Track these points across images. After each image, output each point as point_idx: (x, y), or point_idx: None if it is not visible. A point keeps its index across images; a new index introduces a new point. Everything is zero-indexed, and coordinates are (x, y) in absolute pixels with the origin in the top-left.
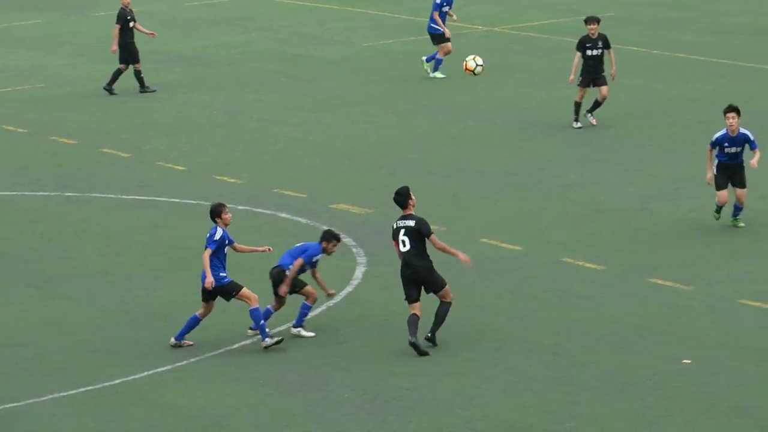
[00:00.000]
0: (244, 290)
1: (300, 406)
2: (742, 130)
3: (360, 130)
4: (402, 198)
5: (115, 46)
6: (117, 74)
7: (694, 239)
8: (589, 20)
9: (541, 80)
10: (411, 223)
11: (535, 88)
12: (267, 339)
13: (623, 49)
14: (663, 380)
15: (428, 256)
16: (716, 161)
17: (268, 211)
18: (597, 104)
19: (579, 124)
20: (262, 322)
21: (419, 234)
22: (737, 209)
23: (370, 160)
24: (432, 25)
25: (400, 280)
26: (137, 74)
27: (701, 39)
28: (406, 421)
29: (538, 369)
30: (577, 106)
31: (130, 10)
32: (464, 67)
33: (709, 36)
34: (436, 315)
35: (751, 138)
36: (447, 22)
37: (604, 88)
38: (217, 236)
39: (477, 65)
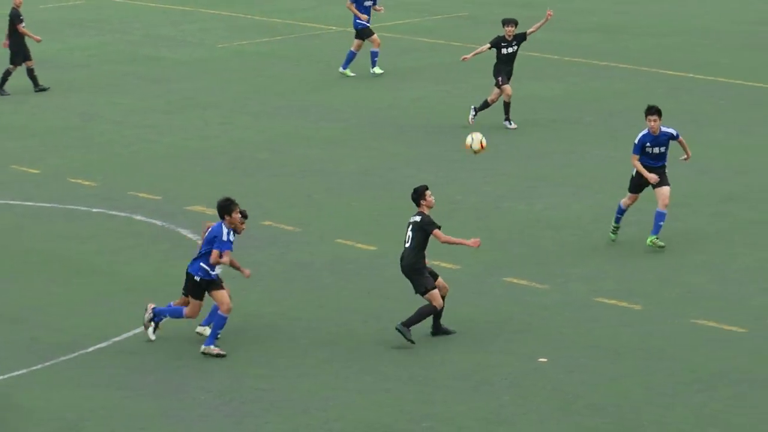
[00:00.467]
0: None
1: (156, 409)
2: (665, 129)
3: (214, 131)
4: (415, 196)
5: (6, 42)
6: (6, 75)
7: (549, 238)
8: (506, 22)
9: (394, 80)
10: (417, 218)
11: (388, 88)
12: (212, 347)
13: (474, 48)
14: (518, 379)
15: (422, 257)
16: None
17: (123, 214)
18: (486, 105)
19: (513, 125)
20: (219, 331)
21: (422, 231)
22: (657, 225)
23: (225, 161)
24: (357, 21)
25: None
26: (30, 73)
27: (554, 38)
28: (262, 423)
29: (393, 369)
30: (507, 106)
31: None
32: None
33: (562, 34)
34: (417, 310)
35: (674, 132)
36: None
37: (508, 87)
38: (225, 236)
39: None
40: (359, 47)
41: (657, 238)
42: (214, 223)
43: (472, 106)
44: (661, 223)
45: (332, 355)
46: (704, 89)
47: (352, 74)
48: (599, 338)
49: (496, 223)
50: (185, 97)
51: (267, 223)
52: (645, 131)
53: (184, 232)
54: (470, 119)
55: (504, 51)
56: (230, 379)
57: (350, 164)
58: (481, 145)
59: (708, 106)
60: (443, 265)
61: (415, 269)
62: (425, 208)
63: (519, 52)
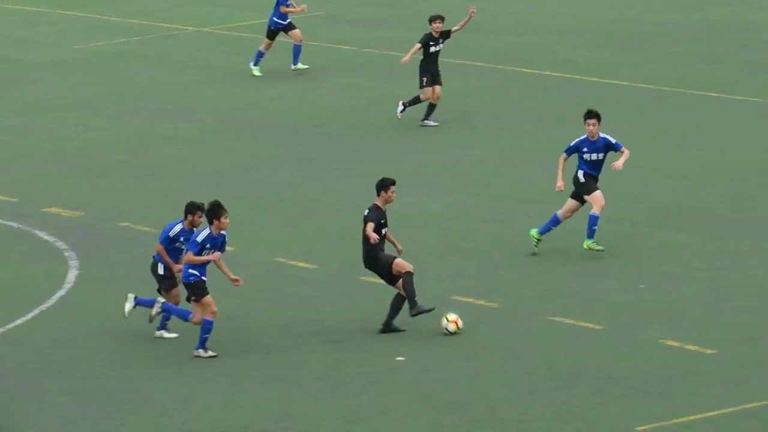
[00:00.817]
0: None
1: (14, 412)
2: (603, 135)
3: (70, 132)
4: (377, 186)
5: None
6: None
7: (407, 236)
8: (434, 18)
9: (252, 80)
10: (365, 211)
11: (245, 88)
12: (200, 350)
13: (334, 48)
14: (376, 378)
15: (367, 246)
16: (581, 172)
17: None
18: (416, 100)
19: (433, 123)
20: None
21: (364, 223)
22: (592, 229)
23: (81, 162)
24: (275, 19)
25: None
26: None
27: (411, 36)
28: (120, 424)
29: (252, 369)
30: (431, 107)
31: None
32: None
33: (419, 33)
34: (404, 289)
35: (613, 141)
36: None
37: (438, 88)
38: (200, 238)
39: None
40: (268, 47)
41: (594, 242)
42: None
43: (401, 102)
44: (595, 227)
45: (191, 356)
46: (559, 87)
47: (259, 73)
48: (456, 336)
49: (354, 222)
50: (41, 99)
51: (124, 224)
52: (583, 136)
53: (40, 234)
54: (399, 114)
55: (432, 49)
56: (88, 381)
57: (207, 164)
58: (456, 325)
59: (563, 103)
60: (301, 264)
61: (370, 258)
62: (381, 201)
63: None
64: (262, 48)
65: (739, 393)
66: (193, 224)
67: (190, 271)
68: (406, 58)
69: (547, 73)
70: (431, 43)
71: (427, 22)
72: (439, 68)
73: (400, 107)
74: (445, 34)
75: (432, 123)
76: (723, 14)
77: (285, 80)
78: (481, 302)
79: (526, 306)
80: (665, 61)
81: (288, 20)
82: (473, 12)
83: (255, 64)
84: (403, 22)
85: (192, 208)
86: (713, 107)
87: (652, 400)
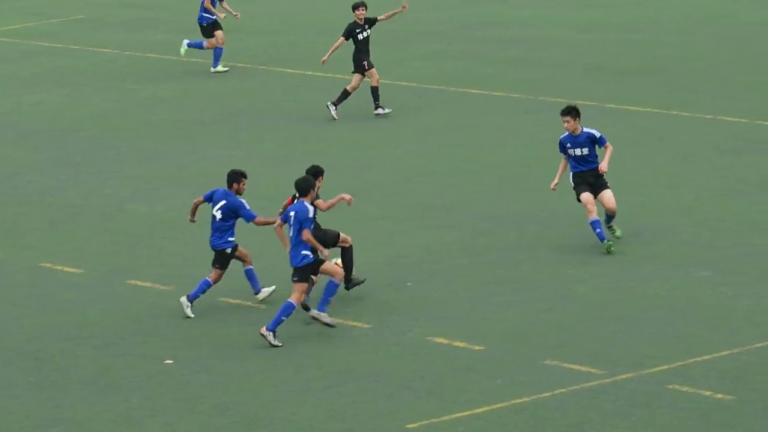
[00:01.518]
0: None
1: None
2: (587, 129)
3: None
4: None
5: None
6: None
7: (173, 239)
8: (357, 6)
9: (14, 85)
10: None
11: (8, 93)
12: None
13: (96, 51)
14: (146, 381)
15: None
16: (572, 172)
17: None
18: (346, 94)
19: (386, 110)
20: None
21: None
22: (609, 217)
23: None
24: (204, 14)
25: None
26: None
27: (172, 38)
28: None
29: (19, 375)
30: (375, 90)
31: None
32: None
33: (180, 35)
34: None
35: (598, 135)
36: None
37: (374, 71)
38: (311, 214)
39: None
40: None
41: (613, 232)
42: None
43: (329, 102)
44: (600, 229)
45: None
46: (322, 86)
47: (225, 69)
48: (225, 338)
49: (120, 225)
50: None
51: None
52: (565, 133)
53: None
54: (333, 114)
55: (360, 36)
56: None
57: None
58: None
59: (325, 102)
60: (67, 269)
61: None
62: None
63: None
64: (207, 45)
65: (508, 389)
66: (239, 192)
67: (305, 252)
68: (326, 57)
69: (311, 72)
70: (357, 30)
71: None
72: (370, 54)
73: (332, 108)
74: (371, 21)
75: (385, 110)
76: (482, 11)
77: (47, 85)
78: (249, 304)
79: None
80: (427, 58)
81: (214, 18)
82: (405, 6)
83: (215, 66)
84: (164, 23)
85: (237, 176)
86: (475, 104)
87: (422, 398)
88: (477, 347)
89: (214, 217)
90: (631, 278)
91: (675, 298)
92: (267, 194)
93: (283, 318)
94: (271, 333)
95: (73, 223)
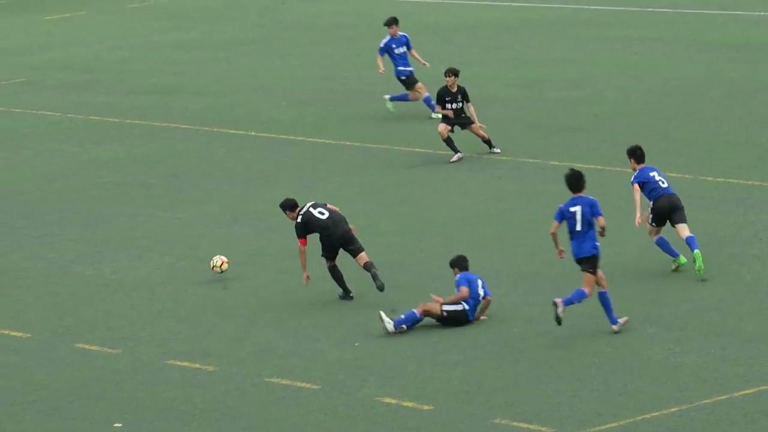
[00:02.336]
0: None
1: None
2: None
3: None
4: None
5: None
6: None
7: (118, 301)
8: (447, 72)
9: None
10: None
11: None
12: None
13: (36, 114)
14: None
15: None
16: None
17: None
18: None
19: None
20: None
21: None
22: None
23: None
24: (399, 68)
25: None
26: None
27: (114, 100)
28: None
29: None
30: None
31: None
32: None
33: (121, 97)
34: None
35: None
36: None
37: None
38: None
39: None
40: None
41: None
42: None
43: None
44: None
45: None
46: (266, 146)
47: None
48: (170, 401)
49: (65, 288)
50: None
51: None
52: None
53: None
54: (458, 157)
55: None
56: None
57: None
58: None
59: (270, 163)
60: (13, 333)
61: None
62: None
63: None
64: (411, 97)
65: None
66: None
67: (597, 243)
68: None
69: (253, 133)
70: (447, 99)
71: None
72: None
73: (456, 156)
74: (462, 92)
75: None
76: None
77: None
78: (197, 365)
79: (242, 368)
80: (372, 117)
81: (410, 69)
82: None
83: (434, 111)
84: (105, 86)
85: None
86: (420, 162)
87: None
88: (426, 407)
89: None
90: (576, 335)
91: (621, 354)
92: (212, 256)
93: (575, 302)
94: (563, 305)
95: (17, 287)
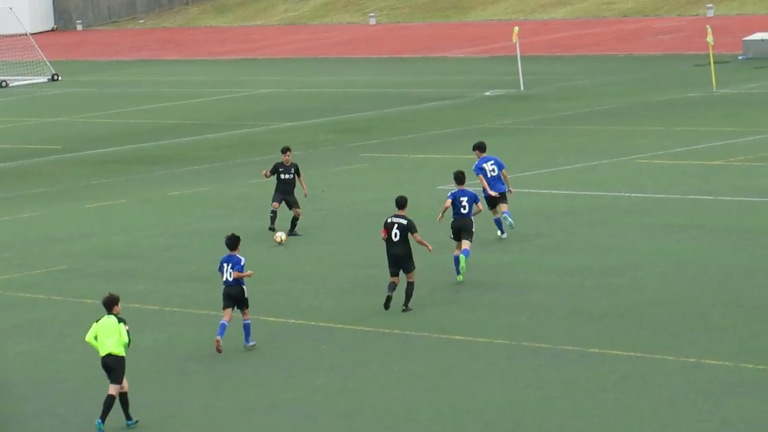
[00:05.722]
0: None
1: None
2: None
3: None
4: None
5: None
6: None
7: None
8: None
9: None
10: (403, 221)
11: None
12: None
13: (77, 302)
14: None
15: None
16: None
17: None
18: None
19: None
20: None
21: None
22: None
23: None
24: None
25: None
26: None
27: (154, 288)
28: None
29: None
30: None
31: None
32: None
33: (161, 285)
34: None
35: None
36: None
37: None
38: None
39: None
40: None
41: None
42: None
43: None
44: None
45: None
46: (305, 334)
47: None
48: None
49: None
50: None
51: None
52: None
53: None
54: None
55: (282, 177)
56: None
57: None
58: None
59: (309, 350)
60: None
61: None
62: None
63: None
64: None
65: None
66: None
67: None
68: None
69: (292, 320)
70: (281, 170)
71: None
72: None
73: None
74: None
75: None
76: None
77: (30, 335)
78: None
79: None
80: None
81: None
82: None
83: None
84: (144, 274)
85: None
86: (458, 350)
87: None
88: None
89: None
90: None
91: None
92: None
93: None
94: None
95: None
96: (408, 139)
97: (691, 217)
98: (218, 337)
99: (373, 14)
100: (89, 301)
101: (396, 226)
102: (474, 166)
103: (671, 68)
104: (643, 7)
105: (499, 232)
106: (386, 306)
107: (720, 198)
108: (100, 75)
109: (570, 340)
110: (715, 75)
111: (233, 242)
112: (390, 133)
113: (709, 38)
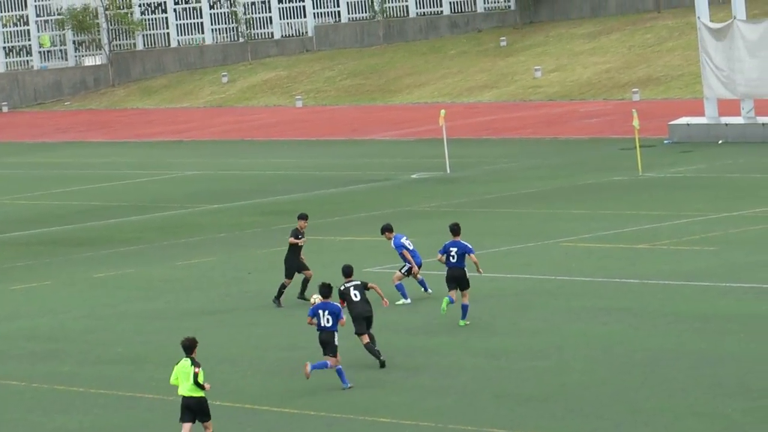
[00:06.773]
0: None
1: None
2: None
3: None
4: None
5: None
6: None
7: None
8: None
9: None
10: (356, 281)
11: None
12: None
13: (5, 384)
14: None
15: None
16: None
17: None
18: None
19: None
20: None
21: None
22: None
23: None
24: None
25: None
26: None
27: (79, 370)
28: None
29: None
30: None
31: None
32: None
33: (87, 367)
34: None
35: None
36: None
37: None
38: None
39: None
40: None
41: None
42: None
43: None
44: None
45: None
46: (231, 416)
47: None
48: None
49: None
50: None
51: None
52: None
53: None
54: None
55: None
56: None
57: None
58: None
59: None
60: None
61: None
62: None
63: None
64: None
65: None
66: None
67: None
68: None
69: (218, 402)
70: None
71: None
72: None
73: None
74: None
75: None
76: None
77: None
78: None
79: None
80: (336, 387)
81: None
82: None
83: None
84: (70, 355)
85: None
86: (384, 431)
87: None
88: None
89: None
90: None
91: None
92: None
93: None
94: None
95: None
96: (334, 221)
97: (617, 300)
98: None
99: (299, 97)
100: (13, 382)
101: (352, 287)
102: (393, 242)
103: (597, 152)
104: (569, 90)
105: (423, 289)
106: (382, 365)
107: (645, 281)
108: (25, 157)
109: (496, 423)
110: (640, 159)
111: (327, 291)
112: (317, 215)
113: (635, 122)
